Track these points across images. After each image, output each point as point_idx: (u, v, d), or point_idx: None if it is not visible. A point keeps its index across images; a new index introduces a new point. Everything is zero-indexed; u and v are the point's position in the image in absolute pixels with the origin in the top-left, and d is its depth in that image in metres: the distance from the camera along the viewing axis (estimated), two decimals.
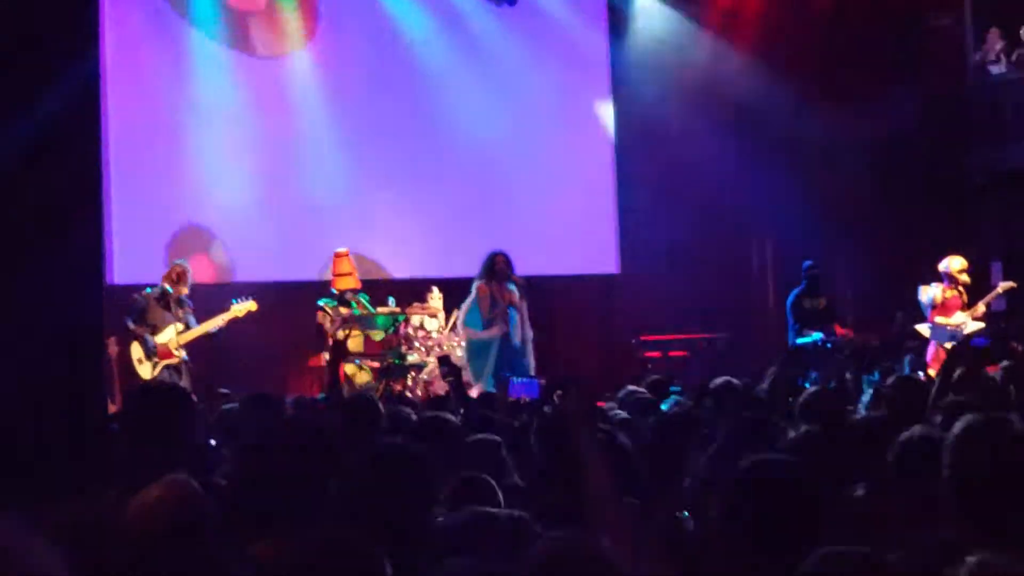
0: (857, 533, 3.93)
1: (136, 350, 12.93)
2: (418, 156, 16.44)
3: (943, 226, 15.57)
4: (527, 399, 9.20)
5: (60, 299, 5.84)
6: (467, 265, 15.51)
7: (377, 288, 14.43)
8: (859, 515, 4.44)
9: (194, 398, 11.74)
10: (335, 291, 13.87)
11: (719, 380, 8.48)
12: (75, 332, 5.91)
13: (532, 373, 13.33)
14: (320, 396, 10.85)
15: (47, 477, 5.23)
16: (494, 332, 13.64)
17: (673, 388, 10.75)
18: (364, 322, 13.92)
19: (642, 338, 15.91)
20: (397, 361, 13.92)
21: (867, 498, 4.77)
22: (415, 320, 14.34)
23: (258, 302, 13.32)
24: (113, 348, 12.60)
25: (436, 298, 14.74)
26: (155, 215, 15.06)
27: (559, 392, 3.84)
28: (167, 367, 12.92)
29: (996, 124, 15.44)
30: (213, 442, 6.15)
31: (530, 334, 13.88)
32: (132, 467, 5.16)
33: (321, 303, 13.82)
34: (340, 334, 13.73)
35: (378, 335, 14.07)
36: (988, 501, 3.62)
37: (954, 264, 13.95)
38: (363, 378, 13.85)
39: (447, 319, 14.69)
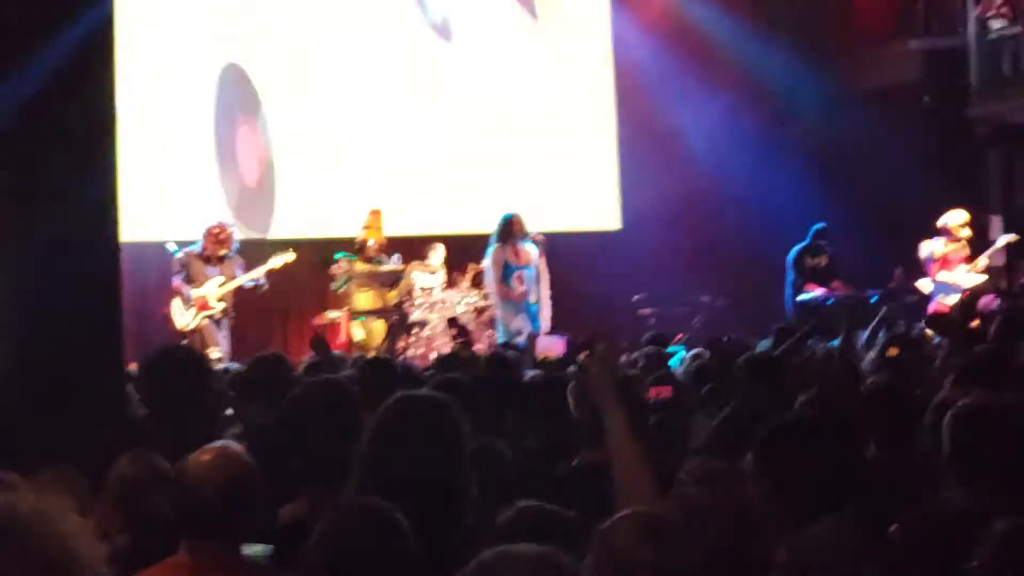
0: (871, 495, 4.00)
1: (176, 303, 13.19)
2: (420, 113, 16.46)
3: (943, 181, 15.58)
4: (554, 356, 9.27)
5: (73, 255, 5.84)
6: (472, 222, 15.61)
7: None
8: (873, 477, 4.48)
9: (218, 355, 12.02)
10: (356, 243, 13.94)
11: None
12: (91, 284, 5.92)
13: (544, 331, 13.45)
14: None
15: (62, 438, 5.25)
16: (512, 295, 13.71)
17: (672, 348, 10.84)
18: (381, 279, 14.04)
19: (642, 295, 15.94)
20: (400, 318, 14.00)
21: (879, 460, 4.82)
22: (415, 277, 14.40)
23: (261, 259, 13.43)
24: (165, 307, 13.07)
25: (437, 255, 14.79)
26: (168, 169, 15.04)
27: (586, 351, 3.80)
28: (204, 318, 13.10)
29: (997, 79, 15.42)
30: (230, 411, 6.18)
31: (547, 293, 13.98)
32: (147, 429, 5.23)
33: (337, 257, 13.91)
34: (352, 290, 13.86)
35: (392, 295, 14.14)
36: (996, 472, 3.70)
37: (954, 218, 13.98)
38: (368, 334, 13.91)
39: (449, 276, 14.75)
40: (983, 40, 15.53)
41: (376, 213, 14.16)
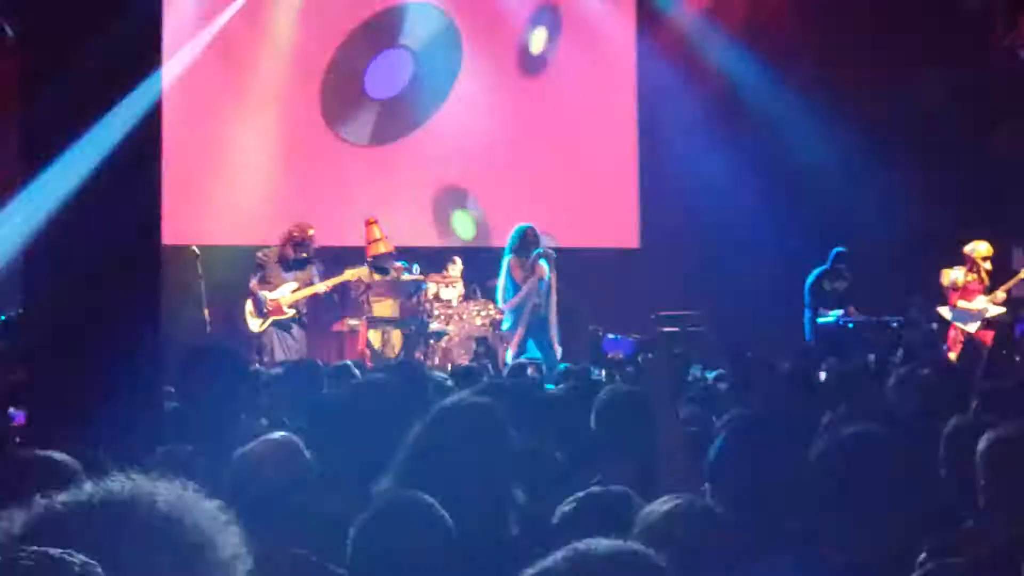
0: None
1: (249, 305, 13.23)
2: (443, 128, 16.54)
3: (967, 209, 15.58)
4: (620, 355, 9.30)
5: (118, 254, 5.88)
6: (491, 237, 15.70)
7: (402, 256, 14.48)
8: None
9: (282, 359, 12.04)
10: (369, 259, 13.96)
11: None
12: (132, 284, 5.97)
13: (556, 344, 13.44)
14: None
15: (100, 429, 5.28)
16: (523, 294, 13.66)
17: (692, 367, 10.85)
18: (397, 289, 14.07)
19: (660, 313, 15.92)
20: (417, 328, 14.02)
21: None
22: (432, 288, 14.43)
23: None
24: (204, 311, 13.05)
25: (455, 267, 14.83)
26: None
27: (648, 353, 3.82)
28: (275, 322, 13.13)
29: (1022, 109, 15.42)
30: (265, 421, 6.20)
31: (554, 308, 13.95)
32: (182, 427, 5.27)
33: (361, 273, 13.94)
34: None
35: (402, 301, 14.18)
36: None
37: (979, 249, 13.99)
38: (393, 343, 13.95)
39: (466, 288, 14.78)
40: (1009, 69, 15.52)
41: (371, 224, 14.15)
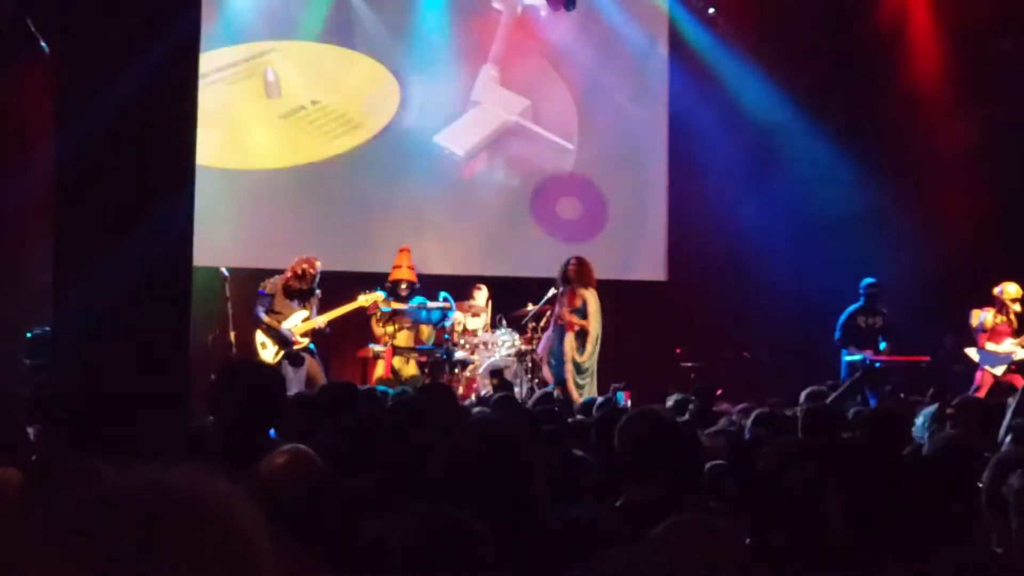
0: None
1: (260, 335, 13.13)
2: (470, 157, 16.64)
3: (999, 250, 15.52)
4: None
5: (150, 275, 5.90)
6: (514, 266, 15.74)
7: (429, 282, 14.50)
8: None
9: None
10: (388, 284, 13.96)
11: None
12: (163, 305, 5.98)
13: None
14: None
15: (127, 442, 5.30)
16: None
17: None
18: (413, 316, 14.02)
19: (686, 346, 15.93)
20: (443, 356, 14.02)
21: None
22: (458, 317, 14.44)
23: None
24: (230, 332, 12.93)
25: (481, 296, 14.85)
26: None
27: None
28: (289, 352, 13.07)
29: None
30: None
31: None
32: (219, 444, 5.26)
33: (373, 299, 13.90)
34: (388, 328, 13.87)
35: (427, 331, 14.18)
36: None
37: (1009, 291, 13.91)
38: (409, 371, 13.95)
39: (492, 318, 14.79)
40: None
41: (404, 251, 14.19)
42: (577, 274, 13.66)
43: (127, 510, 1.52)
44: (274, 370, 5.62)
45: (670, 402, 9.69)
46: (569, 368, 13.45)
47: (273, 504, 3.59)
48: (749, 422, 7.50)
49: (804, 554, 3.70)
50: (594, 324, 13.54)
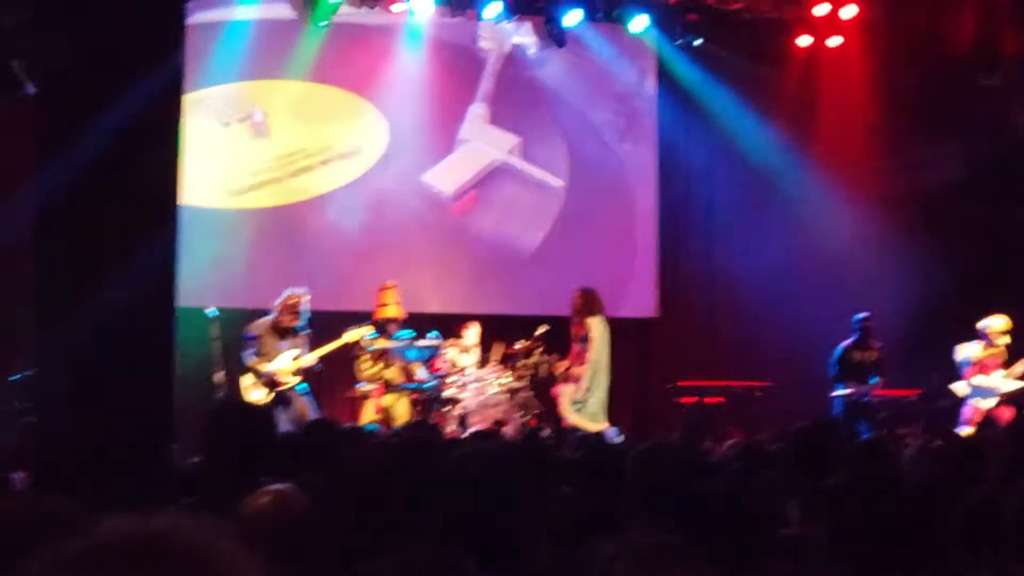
0: None
1: (248, 378, 13.09)
2: (459, 196, 16.68)
3: (984, 285, 15.54)
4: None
5: (132, 316, 5.90)
6: (504, 303, 15.74)
7: (419, 321, 14.48)
8: None
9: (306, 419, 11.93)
10: (374, 321, 13.92)
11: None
12: (145, 346, 5.97)
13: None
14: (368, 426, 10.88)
15: (106, 489, 5.26)
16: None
17: None
18: (402, 354, 13.98)
19: (678, 384, 15.91)
20: (434, 394, 13.98)
21: None
22: (449, 354, 14.41)
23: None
24: (219, 373, 12.84)
25: (472, 334, 14.82)
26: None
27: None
28: (279, 393, 13.01)
29: None
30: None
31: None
32: (206, 483, 5.23)
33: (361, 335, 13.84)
34: (377, 367, 13.82)
35: (416, 367, 14.13)
36: None
37: (995, 325, 13.90)
38: (400, 409, 13.89)
39: (483, 355, 14.76)
40: None
41: (388, 289, 14.15)
42: (583, 304, 13.79)
43: (116, 561, 1.51)
44: (265, 411, 5.59)
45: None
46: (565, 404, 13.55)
47: (257, 544, 3.57)
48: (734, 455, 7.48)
49: None
50: (592, 351, 13.60)
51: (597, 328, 13.76)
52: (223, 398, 12.43)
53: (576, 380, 13.83)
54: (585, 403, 13.69)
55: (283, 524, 3.60)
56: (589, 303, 13.88)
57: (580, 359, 13.84)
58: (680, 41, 17.04)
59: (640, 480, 4.92)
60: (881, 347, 14.43)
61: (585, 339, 13.76)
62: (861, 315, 14.47)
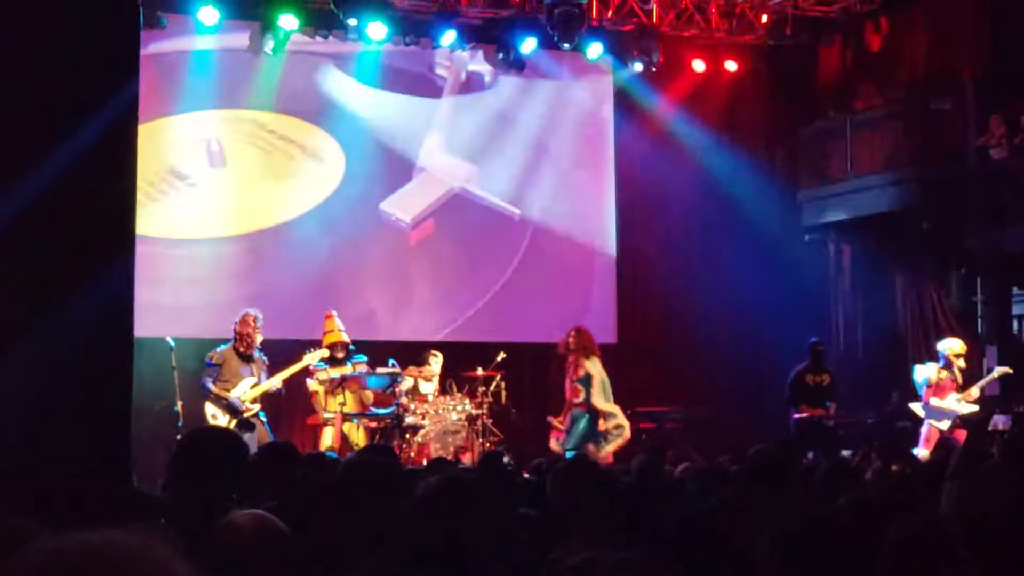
0: None
1: (209, 407, 13.04)
2: (416, 224, 16.71)
3: (940, 307, 15.66)
4: None
5: (89, 344, 5.87)
6: (463, 331, 15.76)
7: (379, 349, 14.47)
8: None
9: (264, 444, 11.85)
10: (324, 349, 13.88)
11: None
12: (103, 375, 5.94)
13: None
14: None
15: (64, 513, 5.22)
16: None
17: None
18: (358, 382, 13.96)
19: (637, 408, 15.94)
20: (394, 421, 13.95)
21: None
22: (408, 382, 14.40)
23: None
24: (177, 402, 12.78)
25: (436, 363, 14.81)
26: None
27: None
28: (240, 420, 12.94)
29: (996, 207, 15.54)
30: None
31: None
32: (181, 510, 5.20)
33: (315, 365, 13.79)
34: (336, 396, 13.78)
35: (368, 396, 14.09)
36: None
37: (952, 347, 13.99)
38: (359, 438, 13.86)
39: (443, 383, 14.76)
40: (983, 169, 15.68)
41: (330, 316, 14.14)
42: (577, 344, 13.89)
43: (60, 573, 1.51)
44: (238, 437, 5.54)
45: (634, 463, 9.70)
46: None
47: (233, 568, 3.56)
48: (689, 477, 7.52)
49: None
50: (595, 393, 13.80)
51: (595, 369, 13.90)
52: (199, 426, 12.40)
53: (571, 418, 13.97)
54: (609, 434, 13.84)
55: (258, 547, 3.58)
56: (585, 342, 14.04)
57: (575, 394, 13.92)
58: (635, 66, 17.11)
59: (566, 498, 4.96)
60: (833, 371, 14.53)
61: (584, 380, 13.86)
62: (813, 340, 14.58)
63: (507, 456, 12.70)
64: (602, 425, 13.90)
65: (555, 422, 14.24)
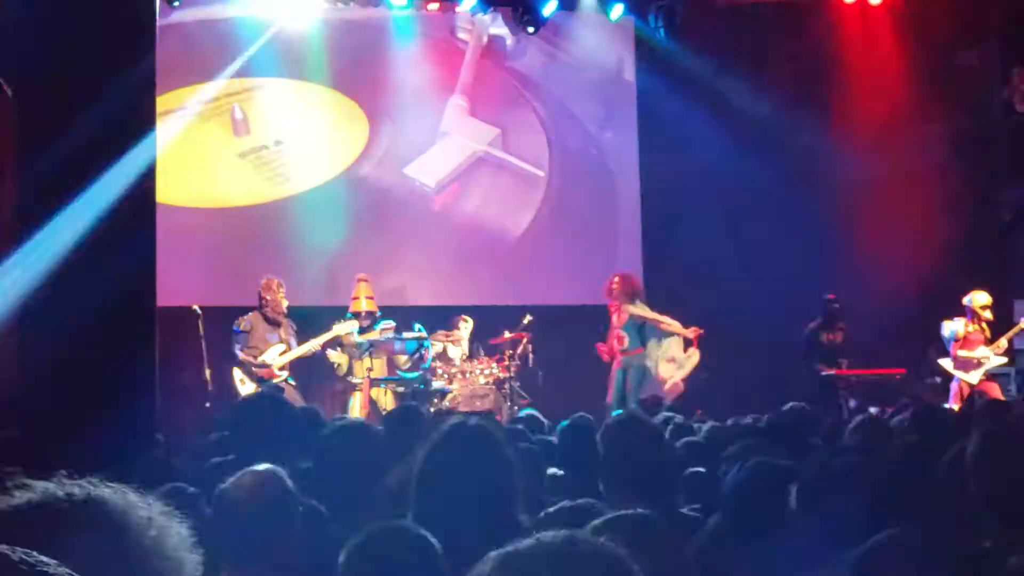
0: None
1: (238, 372, 13.13)
2: (441, 188, 16.70)
3: (969, 262, 15.58)
4: None
5: (113, 314, 5.90)
6: (489, 294, 15.77)
7: (404, 314, 14.50)
8: None
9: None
10: (350, 315, 13.94)
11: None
12: (128, 343, 5.98)
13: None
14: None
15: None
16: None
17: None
18: (390, 346, 14.02)
19: None
20: (421, 386, 14.00)
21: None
22: (437, 347, 14.43)
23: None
24: (205, 370, 12.85)
25: (464, 328, 14.82)
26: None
27: None
28: (269, 386, 12.98)
29: (1022, 161, 15.45)
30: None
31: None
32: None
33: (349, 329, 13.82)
34: (365, 361, 13.84)
35: (402, 360, 14.16)
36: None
37: (978, 299, 13.96)
38: (388, 403, 13.91)
39: (470, 347, 14.78)
40: (1008, 123, 15.58)
41: (363, 281, 14.18)
42: (621, 290, 13.85)
43: (42, 519, 1.53)
44: (286, 401, 5.54)
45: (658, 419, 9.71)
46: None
47: (238, 524, 3.60)
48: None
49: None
50: (660, 322, 13.90)
51: (642, 311, 14.02)
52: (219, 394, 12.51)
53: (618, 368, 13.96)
54: (682, 358, 13.92)
55: (265, 504, 3.62)
56: (630, 288, 14.23)
57: (620, 342, 13.89)
58: (658, 26, 17.01)
59: (611, 454, 4.96)
60: (847, 328, 14.51)
61: (629, 327, 13.86)
62: (827, 296, 14.55)
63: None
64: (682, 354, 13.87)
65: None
